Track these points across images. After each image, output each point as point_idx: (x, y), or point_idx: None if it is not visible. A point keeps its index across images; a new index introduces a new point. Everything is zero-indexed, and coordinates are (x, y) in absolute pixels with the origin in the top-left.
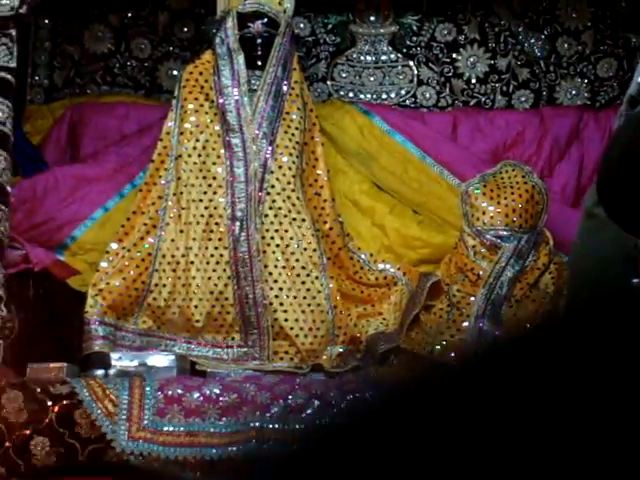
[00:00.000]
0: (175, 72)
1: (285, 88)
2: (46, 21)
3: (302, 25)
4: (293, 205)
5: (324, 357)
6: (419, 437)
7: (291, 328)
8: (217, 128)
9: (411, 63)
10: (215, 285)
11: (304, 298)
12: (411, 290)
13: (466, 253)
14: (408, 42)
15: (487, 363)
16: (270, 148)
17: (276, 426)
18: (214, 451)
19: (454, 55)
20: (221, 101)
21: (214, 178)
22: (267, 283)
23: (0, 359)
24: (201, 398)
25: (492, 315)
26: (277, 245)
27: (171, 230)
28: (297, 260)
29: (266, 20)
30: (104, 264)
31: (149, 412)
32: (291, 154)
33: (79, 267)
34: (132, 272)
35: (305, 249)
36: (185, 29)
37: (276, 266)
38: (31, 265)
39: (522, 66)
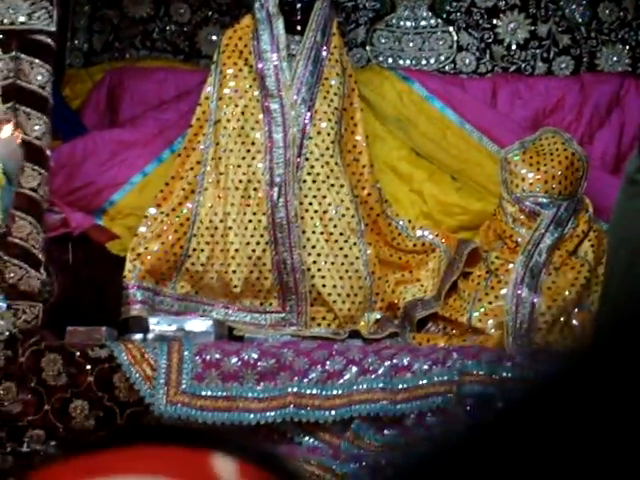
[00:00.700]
0: (214, 37)
1: (324, 53)
2: None
3: None
4: (331, 171)
5: (362, 323)
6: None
7: (329, 294)
8: (256, 93)
9: (451, 29)
10: (253, 251)
11: (342, 264)
12: (449, 257)
13: (505, 220)
14: (448, 7)
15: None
16: (309, 114)
17: (314, 392)
18: (252, 416)
19: (494, 21)
20: (260, 66)
21: (253, 143)
22: (305, 249)
23: (40, 322)
24: (239, 363)
25: (530, 282)
26: (315, 211)
27: (209, 195)
28: (335, 226)
29: None
30: (143, 229)
31: (187, 377)
32: (330, 120)
33: (118, 231)
34: (170, 237)
35: (343, 215)
36: None
37: (314, 232)
38: (70, 229)
39: (563, 32)
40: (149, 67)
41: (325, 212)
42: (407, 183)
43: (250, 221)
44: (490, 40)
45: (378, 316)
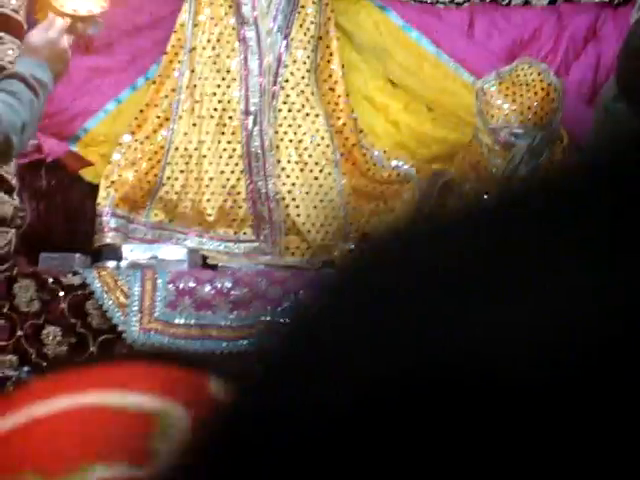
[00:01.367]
0: None
1: None
2: None
3: None
4: (307, 100)
5: (335, 253)
6: None
7: (303, 224)
8: (232, 21)
9: None
10: (227, 179)
11: (316, 194)
12: (422, 188)
13: (480, 151)
14: None
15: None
16: (285, 42)
17: (287, 320)
18: (224, 344)
19: None
20: None
21: (228, 71)
22: (280, 178)
23: (12, 248)
24: (212, 291)
25: None
26: (290, 140)
27: (184, 123)
28: (310, 156)
29: None
30: (116, 156)
31: (160, 304)
32: (306, 48)
33: (92, 159)
34: (144, 165)
35: (318, 145)
36: None
37: (289, 161)
38: (43, 155)
39: None
40: None
41: (300, 141)
42: (383, 113)
43: (225, 150)
44: None
45: (352, 246)
